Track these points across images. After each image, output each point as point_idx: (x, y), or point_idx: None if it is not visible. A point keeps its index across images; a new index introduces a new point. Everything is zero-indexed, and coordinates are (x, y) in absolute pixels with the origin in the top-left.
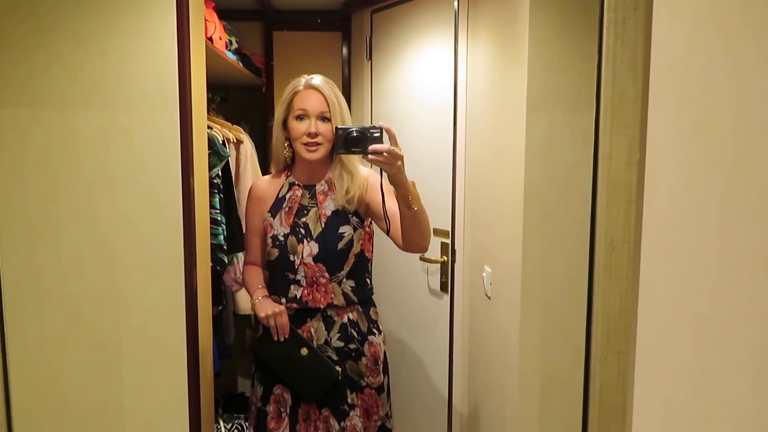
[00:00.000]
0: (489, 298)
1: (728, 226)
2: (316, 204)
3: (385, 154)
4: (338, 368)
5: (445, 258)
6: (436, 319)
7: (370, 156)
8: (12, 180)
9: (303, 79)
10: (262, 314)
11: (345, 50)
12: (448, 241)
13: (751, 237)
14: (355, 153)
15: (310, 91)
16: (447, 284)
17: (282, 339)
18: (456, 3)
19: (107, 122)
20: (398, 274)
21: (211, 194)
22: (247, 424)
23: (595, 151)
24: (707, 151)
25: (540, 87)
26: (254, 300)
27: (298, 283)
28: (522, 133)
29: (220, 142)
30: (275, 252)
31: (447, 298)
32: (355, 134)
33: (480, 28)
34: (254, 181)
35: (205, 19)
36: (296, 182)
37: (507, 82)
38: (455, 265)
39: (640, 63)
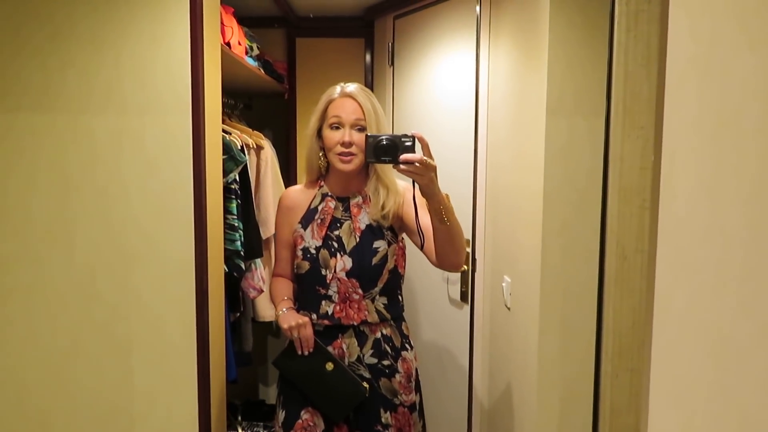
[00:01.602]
0: (509, 309)
1: (753, 235)
2: (350, 217)
3: (417, 164)
4: (366, 385)
5: (466, 267)
6: (457, 330)
7: (402, 166)
8: (26, 184)
9: (338, 87)
10: (285, 326)
11: (368, 57)
12: (469, 249)
13: None
14: (384, 162)
15: (345, 99)
16: (467, 294)
17: (306, 353)
18: (478, 8)
19: (121, 127)
20: (419, 284)
21: (229, 200)
22: None
23: (605, 153)
24: (730, 155)
25: (559, 91)
26: (278, 312)
27: (329, 298)
28: (541, 138)
29: (238, 147)
30: (306, 265)
31: (467, 308)
32: (385, 142)
33: (501, 33)
34: (285, 190)
35: (222, 24)
36: (330, 194)
37: (527, 86)
38: (475, 274)
39: (654, 59)
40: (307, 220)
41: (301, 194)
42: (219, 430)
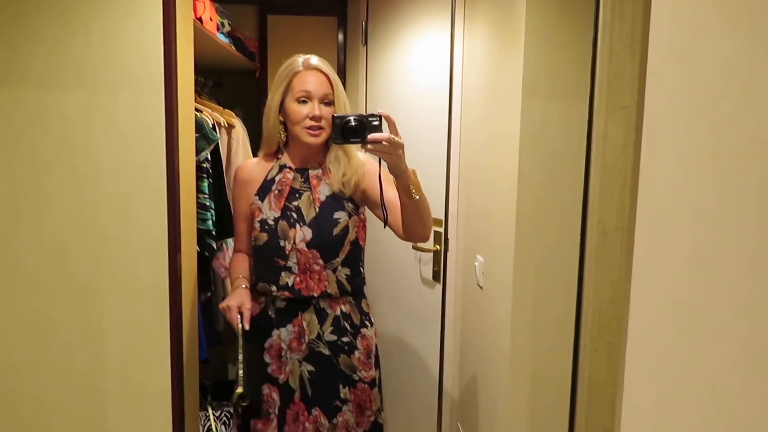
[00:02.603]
0: (481, 287)
1: (728, 215)
2: (310, 188)
3: (384, 143)
4: (239, 390)
5: (438, 247)
6: (429, 309)
7: (369, 146)
8: None
9: (300, 59)
10: (222, 303)
11: (340, 35)
12: (441, 230)
13: (752, 228)
14: (353, 143)
15: (312, 72)
16: (439, 273)
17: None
18: None
19: (92, 104)
20: (391, 264)
21: (200, 179)
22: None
23: (588, 132)
24: (708, 136)
25: (535, 74)
26: (232, 289)
27: (289, 270)
28: (517, 119)
29: (210, 125)
30: (264, 236)
31: (439, 287)
32: (353, 123)
33: (477, 13)
34: (241, 163)
35: None
36: (288, 165)
37: (503, 68)
38: (448, 254)
39: (638, 39)
40: (263, 191)
41: (257, 167)
42: (192, 410)
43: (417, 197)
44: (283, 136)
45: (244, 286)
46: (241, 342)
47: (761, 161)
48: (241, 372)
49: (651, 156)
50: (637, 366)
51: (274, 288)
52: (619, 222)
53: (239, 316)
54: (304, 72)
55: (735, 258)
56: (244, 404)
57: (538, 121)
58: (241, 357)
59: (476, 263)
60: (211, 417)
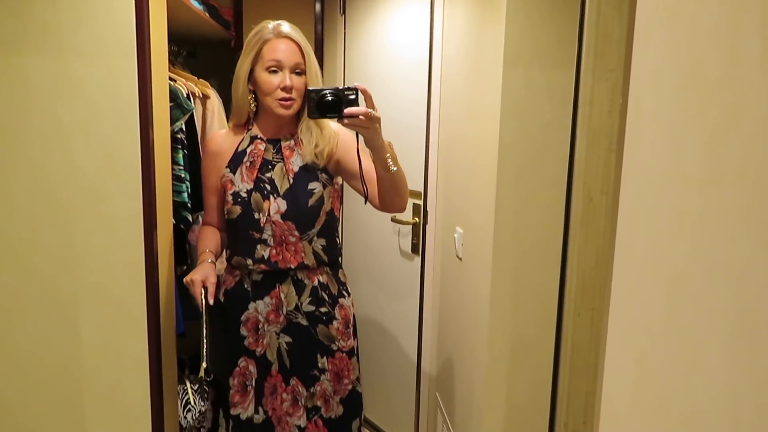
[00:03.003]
0: (460, 259)
1: (710, 181)
2: (282, 159)
3: (361, 117)
4: (204, 366)
5: (417, 219)
6: (407, 282)
7: (345, 120)
8: None
9: (270, 26)
10: (186, 277)
11: (318, 5)
12: (420, 202)
13: (734, 194)
14: (329, 118)
15: (282, 41)
16: (418, 246)
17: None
18: None
19: (59, 69)
20: (369, 236)
21: (175, 150)
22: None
23: (575, 97)
24: (693, 101)
25: (517, 42)
26: (198, 264)
27: (265, 242)
28: (498, 89)
29: (184, 95)
30: (237, 209)
31: (418, 260)
32: (329, 98)
33: None
34: (210, 135)
35: None
36: (259, 136)
37: (484, 37)
38: (427, 226)
39: (626, 2)
40: (234, 163)
41: (227, 138)
42: (171, 382)
43: (394, 169)
44: (253, 106)
45: (210, 260)
46: (204, 317)
47: (746, 126)
48: (205, 348)
49: (636, 120)
50: (619, 330)
51: (249, 261)
52: (605, 187)
53: (203, 291)
54: (275, 40)
55: (718, 223)
56: (209, 379)
57: (521, 91)
58: (205, 332)
59: (455, 235)
60: (189, 390)
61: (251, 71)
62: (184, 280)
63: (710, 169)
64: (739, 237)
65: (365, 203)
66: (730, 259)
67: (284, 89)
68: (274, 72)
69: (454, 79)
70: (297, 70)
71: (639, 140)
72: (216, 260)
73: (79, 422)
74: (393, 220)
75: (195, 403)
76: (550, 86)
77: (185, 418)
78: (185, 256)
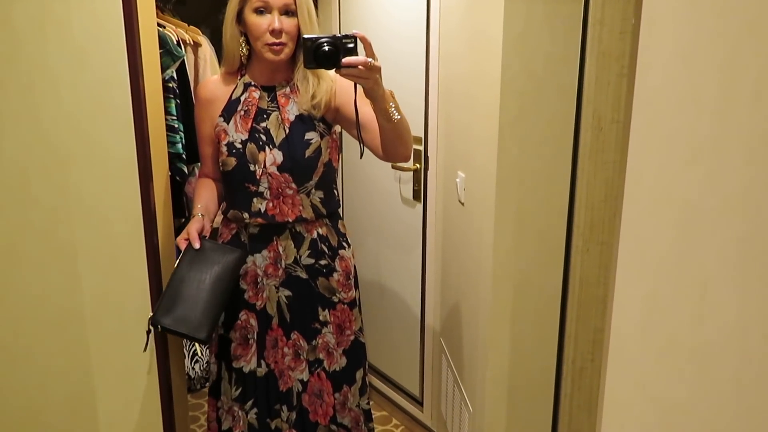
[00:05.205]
0: (463, 204)
1: (726, 106)
2: (278, 107)
3: (360, 67)
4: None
5: (418, 166)
6: (409, 229)
7: (343, 70)
8: None
9: None
10: (178, 238)
11: None
12: (421, 147)
13: (751, 119)
14: (326, 68)
15: None
16: (420, 192)
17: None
18: None
19: (42, 11)
20: (370, 185)
21: (167, 99)
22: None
23: (584, 16)
24: (708, 18)
25: None
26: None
27: (261, 195)
28: (500, 24)
29: (174, 41)
30: (232, 161)
31: (420, 206)
32: (326, 47)
33: None
34: (202, 81)
35: None
36: (252, 83)
37: None
38: (428, 172)
39: None
40: (228, 112)
41: (220, 85)
42: None
43: (398, 117)
44: (245, 50)
45: (200, 214)
46: (175, 269)
47: (762, 49)
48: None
49: (648, 43)
50: (628, 264)
51: (246, 215)
52: (615, 114)
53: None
54: None
55: (732, 151)
56: (158, 330)
57: (522, 24)
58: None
59: (457, 180)
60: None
61: (240, 12)
62: (177, 241)
63: (726, 93)
64: (755, 163)
65: (360, 158)
66: (745, 187)
67: (273, 33)
68: (262, 13)
69: (453, 14)
70: (287, 11)
71: (651, 63)
72: (214, 215)
73: (85, 370)
74: (394, 167)
75: (203, 354)
76: (552, 21)
77: (193, 368)
78: (183, 208)
